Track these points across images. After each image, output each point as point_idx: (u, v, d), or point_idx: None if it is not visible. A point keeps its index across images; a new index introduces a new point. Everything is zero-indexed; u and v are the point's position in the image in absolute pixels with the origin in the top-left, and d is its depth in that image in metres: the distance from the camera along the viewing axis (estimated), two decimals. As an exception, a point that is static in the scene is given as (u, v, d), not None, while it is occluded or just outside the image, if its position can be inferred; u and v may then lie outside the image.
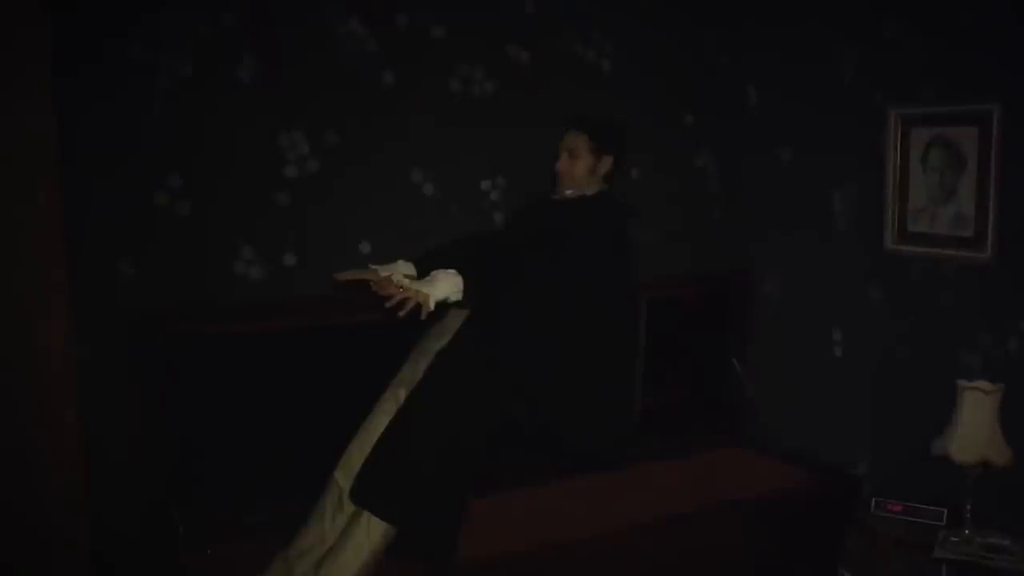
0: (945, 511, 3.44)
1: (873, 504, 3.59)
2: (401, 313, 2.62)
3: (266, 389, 3.37)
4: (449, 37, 3.71)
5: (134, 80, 3.20)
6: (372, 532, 2.82)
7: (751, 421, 4.42)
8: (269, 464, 3.31)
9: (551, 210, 3.19)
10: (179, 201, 3.31)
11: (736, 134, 4.47)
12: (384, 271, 2.86)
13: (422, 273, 2.87)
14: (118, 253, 3.22)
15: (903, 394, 3.80)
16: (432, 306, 2.66)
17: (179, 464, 3.23)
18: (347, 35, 3.52)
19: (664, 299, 4.23)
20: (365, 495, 2.81)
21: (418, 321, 2.73)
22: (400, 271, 2.91)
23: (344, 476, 2.95)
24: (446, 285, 2.70)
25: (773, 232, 4.40)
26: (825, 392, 4.15)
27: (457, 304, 2.79)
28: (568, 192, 3.16)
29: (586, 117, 3.21)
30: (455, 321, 2.98)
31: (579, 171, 3.14)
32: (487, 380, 2.83)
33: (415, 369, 2.96)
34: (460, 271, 2.75)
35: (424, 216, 3.72)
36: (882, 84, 3.81)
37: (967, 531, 3.26)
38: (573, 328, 2.90)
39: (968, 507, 3.29)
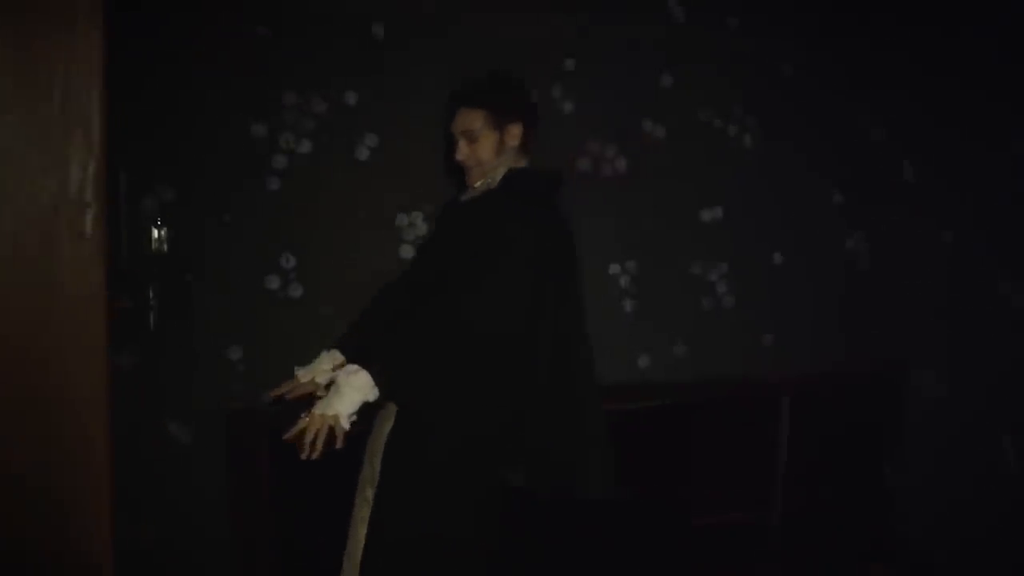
0: None
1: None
2: (315, 455, 2.14)
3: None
4: (579, 112, 3.51)
5: (251, 159, 3.10)
6: None
7: (903, 536, 4.00)
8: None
9: (454, 222, 2.54)
10: (291, 284, 3.16)
11: (890, 214, 4.12)
12: (304, 374, 2.47)
13: (352, 356, 2.40)
14: (228, 340, 3.09)
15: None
16: (347, 426, 2.19)
17: (276, 565, 3.03)
18: (472, 111, 3.34)
19: (808, 396, 3.87)
20: None
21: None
22: (322, 367, 2.48)
23: None
24: (354, 392, 2.19)
25: (932, 323, 4.04)
26: (991, 509, 3.71)
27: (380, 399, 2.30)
28: (478, 184, 2.48)
29: (475, 86, 2.48)
30: (391, 407, 2.43)
31: (484, 154, 2.44)
32: (449, 456, 2.32)
33: (372, 465, 2.46)
34: (366, 362, 2.24)
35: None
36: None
37: None
38: (515, 362, 2.34)
39: None
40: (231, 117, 3.07)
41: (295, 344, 3.14)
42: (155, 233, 3.03)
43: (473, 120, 2.42)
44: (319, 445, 2.14)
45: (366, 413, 2.26)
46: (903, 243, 4.12)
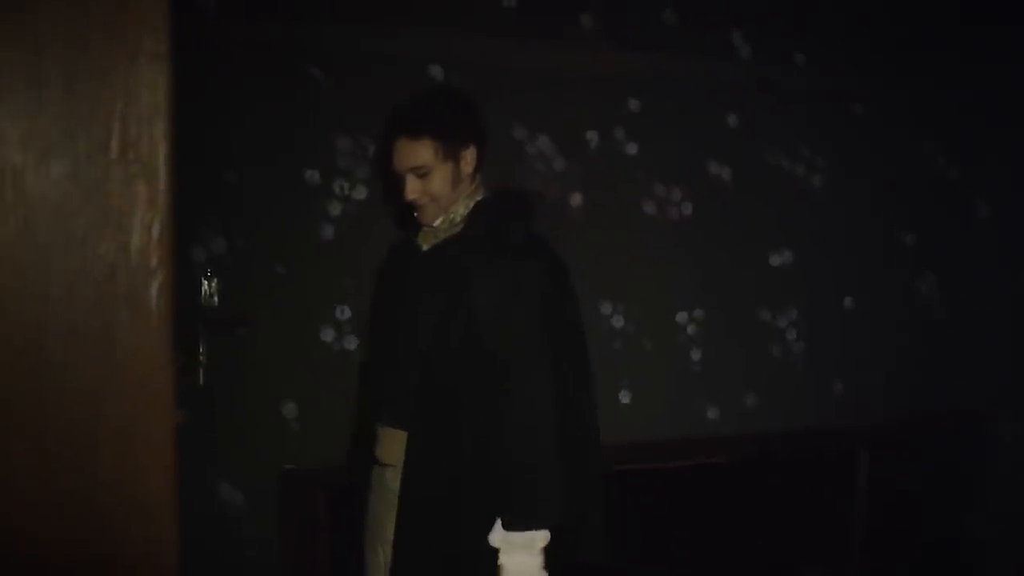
0: None
1: None
2: None
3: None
4: (643, 155, 3.37)
5: (304, 206, 2.99)
6: None
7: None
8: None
9: (418, 282, 2.23)
10: (346, 336, 3.03)
11: (965, 255, 3.92)
12: None
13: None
14: (282, 395, 2.96)
15: None
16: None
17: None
18: (535, 154, 3.23)
19: (886, 447, 3.68)
20: None
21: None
22: None
23: None
24: (521, 554, 2.00)
25: (1014, 368, 3.83)
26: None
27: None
28: (437, 223, 2.20)
29: (417, 113, 2.17)
30: (390, 491, 2.19)
31: (439, 189, 2.15)
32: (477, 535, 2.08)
33: (379, 552, 2.24)
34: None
35: (613, 352, 3.34)
36: None
37: None
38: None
39: None
40: (283, 162, 2.95)
41: (351, 399, 3.01)
42: (204, 285, 2.92)
43: (421, 153, 2.14)
44: None
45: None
46: (979, 285, 3.94)
